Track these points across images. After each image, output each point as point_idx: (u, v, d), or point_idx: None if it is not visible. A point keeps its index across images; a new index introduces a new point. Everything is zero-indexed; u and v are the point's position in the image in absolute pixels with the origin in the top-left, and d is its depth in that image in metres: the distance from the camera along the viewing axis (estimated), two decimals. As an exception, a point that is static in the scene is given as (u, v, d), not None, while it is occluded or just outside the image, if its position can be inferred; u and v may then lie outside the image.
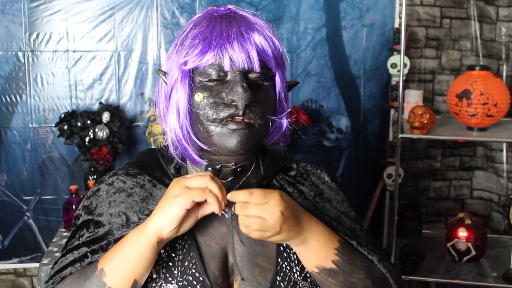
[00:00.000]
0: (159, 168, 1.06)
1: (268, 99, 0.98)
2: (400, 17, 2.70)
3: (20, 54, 2.66)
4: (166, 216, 0.89)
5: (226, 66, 0.93)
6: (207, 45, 0.93)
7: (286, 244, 1.04)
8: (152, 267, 0.94)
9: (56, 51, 2.69)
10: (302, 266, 1.04)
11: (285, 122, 1.04)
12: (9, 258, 2.84)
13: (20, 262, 2.85)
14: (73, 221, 1.09)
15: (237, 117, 0.94)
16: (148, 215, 0.99)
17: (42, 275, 2.14)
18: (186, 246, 1.00)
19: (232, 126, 0.94)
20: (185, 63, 0.95)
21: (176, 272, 0.98)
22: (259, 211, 0.89)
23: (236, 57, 0.92)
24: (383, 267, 1.05)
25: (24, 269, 2.87)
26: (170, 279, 0.98)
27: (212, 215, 1.01)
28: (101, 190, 1.06)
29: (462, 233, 2.46)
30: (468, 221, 2.48)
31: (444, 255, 2.58)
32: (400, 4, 2.66)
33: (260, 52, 0.94)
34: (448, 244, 2.50)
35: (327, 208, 1.10)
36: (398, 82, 2.52)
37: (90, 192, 1.08)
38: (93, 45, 2.70)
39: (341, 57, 2.84)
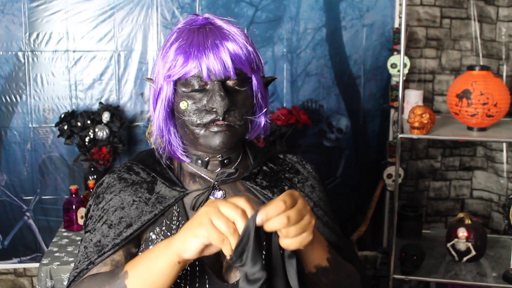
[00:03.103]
0: (157, 163, 1.17)
1: (246, 102, 1.08)
2: (400, 17, 2.70)
3: (20, 54, 2.66)
4: (187, 242, 0.90)
5: (205, 76, 1.03)
6: (187, 59, 1.03)
7: None
8: (172, 284, 0.96)
9: (56, 51, 2.69)
10: None
11: (263, 120, 1.14)
12: (9, 258, 2.84)
13: (20, 262, 2.85)
14: (85, 212, 1.17)
15: (218, 121, 1.05)
16: (140, 198, 1.10)
17: (42, 275, 2.14)
18: (180, 226, 1.08)
19: (214, 128, 1.05)
20: (169, 76, 1.06)
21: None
22: (298, 230, 0.88)
23: (213, 67, 1.02)
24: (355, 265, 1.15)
25: (24, 269, 2.87)
26: None
27: (201, 201, 1.12)
28: (104, 182, 1.15)
29: (462, 233, 2.46)
30: (468, 221, 2.48)
31: (444, 255, 2.58)
32: (400, 4, 2.66)
33: (235, 60, 1.03)
34: (448, 244, 2.50)
35: (310, 193, 1.20)
36: (398, 82, 2.52)
37: (95, 188, 1.17)
38: (93, 45, 2.71)
39: (341, 57, 2.84)
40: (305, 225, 0.88)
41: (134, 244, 1.09)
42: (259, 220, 0.85)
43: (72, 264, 2.15)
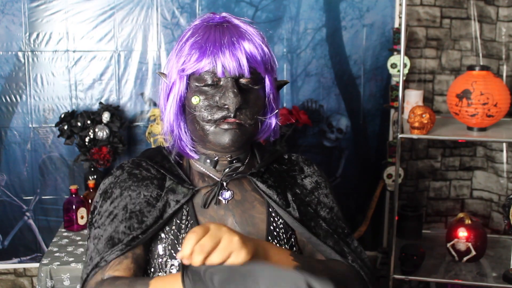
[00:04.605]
0: (166, 160, 1.17)
1: (258, 101, 1.09)
2: (400, 17, 2.70)
3: (20, 54, 2.66)
4: None
5: (219, 73, 1.04)
6: (202, 54, 1.04)
7: (275, 224, 1.13)
8: None
9: (56, 51, 2.69)
10: (291, 244, 1.14)
11: (273, 121, 1.15)
12: (9, 258, 2.84)
13: (20, 262, 2.85)
14: (92, 210, 1.15)
15: (229, 119, 1.05)
16: (151, 193, 1.09)
17: (42, 275, 2.14)
18: (189, 226, 1.10)
19: (225, 126, 1.05)
20: (183, 70, 1.07)
21: (180, 248, 1.03)
22: (221, 253, 0.87)
23: (228, 64, 1.03)
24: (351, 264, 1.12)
25: (24, 269, 2.87)
26: (175, 255, 1.07)
27: (210, 199, 1.12)
28: (112, 177, 1.14)
29: (462, 233, 2.46)
30: (468, 221, 2.48)
31: (444, 255, 2.58)
32: (400, 4, 2.66)
33: (250, 59, 1.04)
34: (448, 244, 2.50)
35: (314, 190, 1.20)
36: (398, 82, 2.52)
37: (102, 184, 1.16)
38: (93, 45, 2.71)
39: (341, 57, 2.84)
40: (226, 245, 0.86)
41: (149, 240, 1.09)
42: (185, 261, 0.85)
43: (73, 264, 2.15)
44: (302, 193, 1.17)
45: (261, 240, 1.04)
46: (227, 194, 1.13)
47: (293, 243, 1.15)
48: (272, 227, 1.13)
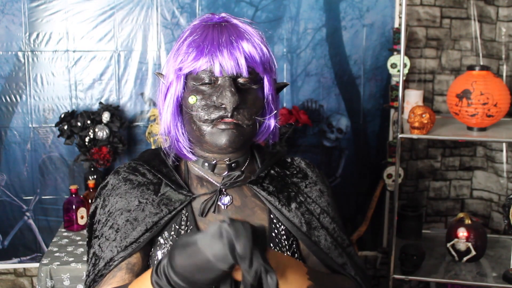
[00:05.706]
0: (163, 164, 1.15)
1: (256, 101, 1.07)
2: (400, 17, 2.70)
3: (20, 54, 2.66)
4: None
5: (217, 72, 1.02)
6: (200, 53, 1.02)
7: (277, 231, 1.11)
8: None
9: (56, 51, 2.69)
10: (293, 251, 1.11)
11: (272, 122, 1.12)
12: (9, 258, 2.84)
13: (20, 262, 2.85)
14: (89, 220, 1.14)
15: (226, 118, 1.03)
16: (147, 199, 1.08)
17: (42, 275, 2.14)
18: (188, 231, 1.07)
19: (222, 126, 1.03)
20: (180, 69, 1.05)
21: None
22: None
23: (225, 63, 1.01)
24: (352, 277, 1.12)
25: (24, 269, 2.87)
26: None
27: (209, 207, 1.10)
28: (109, 184, 1.13)
29: (462, 233, 2.46)
30: (468, 221, 2.48)
31: (444, 255, 2.58)
32: (400, 4, 2.66)
33: (248, 59, 1.03)
34: (448, 244, 2.50)
35: (318, 198, 1.17)
36: (398, 82, 2.52)
37: (99, 189, 1.14)
38: (93, 45, 2.71)
39: (341, 57, 2.84)
40: None
41: (149, 246, 1.07)
42: None
43: (73, 264, 2.16)
44: (306, 201, 1.15)
45: (284, 256, 0.99)
46: (226, 200, 1.10)
47: (295, 250, 1.12)
48: (274, 234, 1.10)
